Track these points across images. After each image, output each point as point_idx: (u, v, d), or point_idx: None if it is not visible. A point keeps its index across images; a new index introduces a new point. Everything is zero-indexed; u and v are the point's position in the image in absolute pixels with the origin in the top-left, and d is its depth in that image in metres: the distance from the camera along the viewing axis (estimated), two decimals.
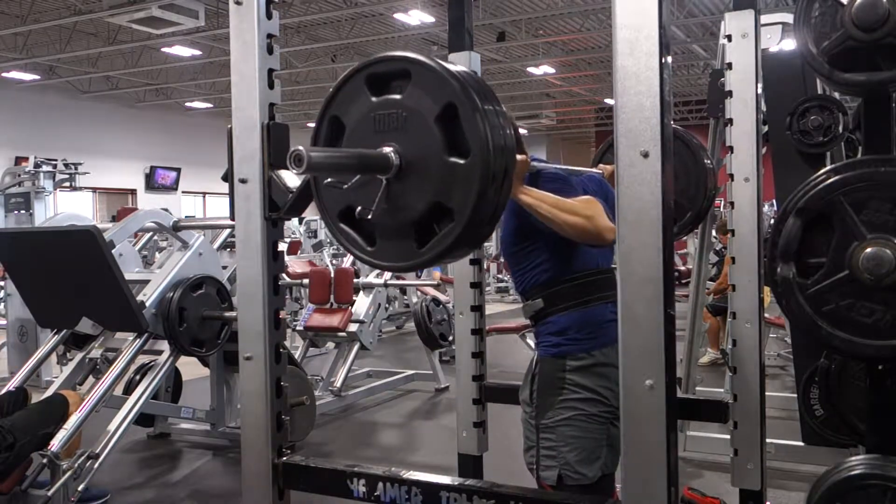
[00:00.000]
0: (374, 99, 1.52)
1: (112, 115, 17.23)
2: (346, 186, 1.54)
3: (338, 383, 5.57)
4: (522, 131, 23.29)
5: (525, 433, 2.17)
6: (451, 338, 6.19)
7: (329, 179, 1.60)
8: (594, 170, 2.41)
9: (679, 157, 2.82)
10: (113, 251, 3.77)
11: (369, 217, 1.50)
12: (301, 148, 1.34)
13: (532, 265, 2.16)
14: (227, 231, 4.62)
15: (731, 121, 2.44)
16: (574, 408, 2.06)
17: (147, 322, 3.85)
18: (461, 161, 1.41)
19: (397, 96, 1.49)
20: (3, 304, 7.46)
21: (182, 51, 13.06)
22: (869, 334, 1.73)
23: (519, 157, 1.99)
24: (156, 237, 7.62)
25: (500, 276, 14.83)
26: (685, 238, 13.12)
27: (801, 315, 1.80)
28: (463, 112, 1.41)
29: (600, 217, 1.96)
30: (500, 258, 14.96)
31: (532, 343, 6.80)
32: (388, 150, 1.47)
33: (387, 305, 6.97)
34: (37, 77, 14.87)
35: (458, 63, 2.69)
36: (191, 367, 5.04)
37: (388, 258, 1.57)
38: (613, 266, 1.95)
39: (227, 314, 4.12)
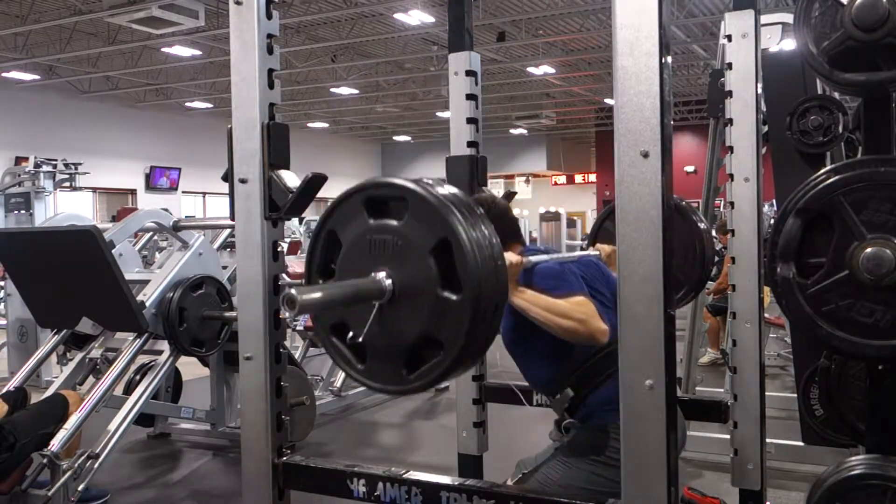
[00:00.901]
0: (371, 221, 1.51)
1: (112, 115, 17.22)
2: None
3: (338, 383, 5.57)
4: (522, 131, 23.32)
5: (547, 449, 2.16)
6: None
7: None
8: (591, 252, 2.39)
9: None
10: (113, 251, 3.77)
11: (360, 340, 1.50)
12: (293, 291, 1.34)
13: (539, 358, 2.15)
14: (227, 231, 4.62)
15: (731, 121, 2.45)
16: (598, 475, 2.03)
17: (147, 322, 3.85)
18: (453, 297, 1.41)
19: (394, 222, 1.48)
20: (3, 304, 7.45)
21: (182, 51, 13.05)
22: (869, 334, 1.73)
23: (514, 258, 1.98)
24: (156, 237, 7.62)
25: None
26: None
27: (801, 315, 1.80)
28: (456, 250, 1.40)
29: (593, 319, 1.95)
30: None
31: None
32: (381, 275, 1.46)
33: None
34: (37, 77, 14.85)
35: (458, 63, 2.72)
36: (191, 367, 5.03)
37: (377, 380, 1.55)
38: None
39: (227, 314, 4.12)
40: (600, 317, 1.97)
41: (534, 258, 2.10)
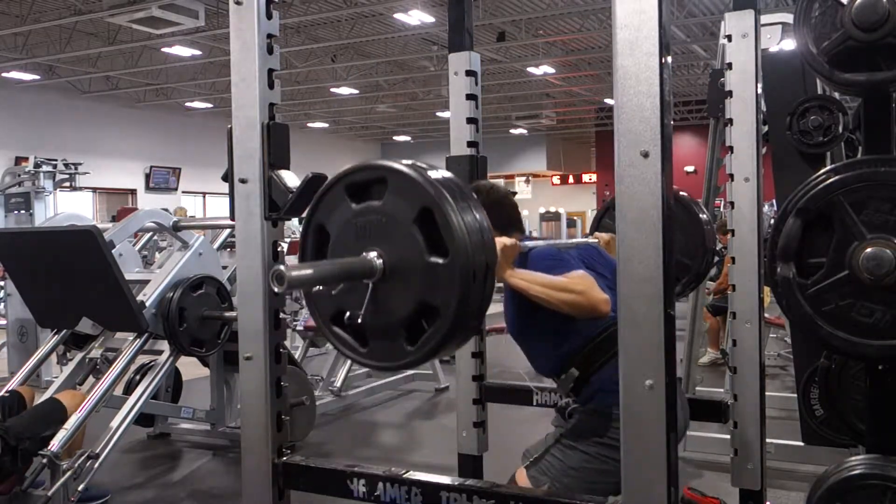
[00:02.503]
0: (354, 206, 1.54)
1: (112, 115, 17.22)
2: (334, 292, 1.57)
3: (338, 383, 5.57)
4: (522, 131, 23.30)
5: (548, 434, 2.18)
6: None
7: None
8: (590, 239, 2.40)
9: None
10: (113, 251, 3.77)
11: (359, 321, 1.52)
12: (282, 267, 1.36)
13: (544, 342, 2.16)
14: (227, 231, 4.62)
15: (731, 121, 2.44)
16: (603, 455, 2.04)
17: (147, 322, 3.85)
18: (441, 260, 1.43)
19: (376, 202, 1.51)
20: (3, 304, 7.45)
21: (182, 51, 13.05)
22: (869, 334, 1.73)
23: (508, 241, 2.01)
24: (156, 237, 7.62)
25: None
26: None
27: (801, 315, 1.80)
28: (438, 215, 1.43)
29: (593, 290, 1.97)
30: None
31: None
32: (371, 255, 1.49)
33: None
34: (37, 77, 14.85)
35: (458, 63, 2.72)
36: (191, 367, 5.03)
37: (382, 358, 1.58)
38: None
39: (227, 314, 4.12)
40: (600, 289, 1.98)
41: (530, 243, 2.12)
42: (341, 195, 1.56)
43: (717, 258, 7.61)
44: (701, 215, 2.89)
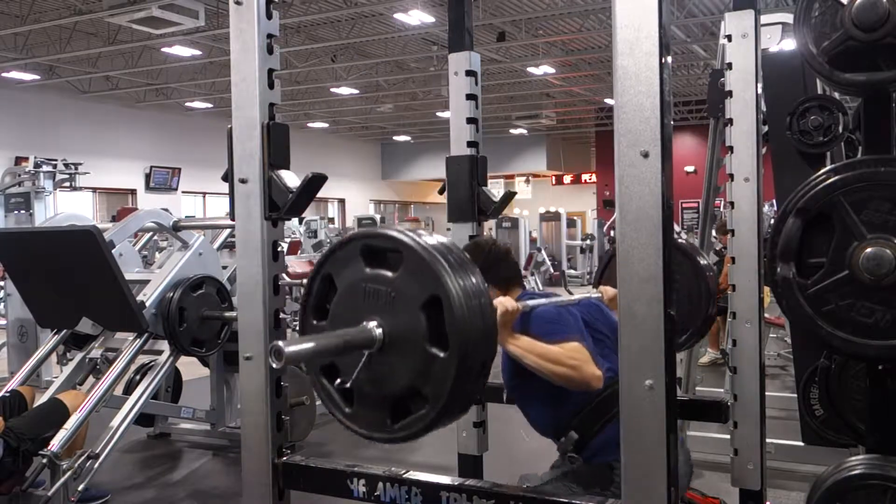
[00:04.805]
0: (367, 270, 1.52)
1: (112, 115, 17.22)
2: None
3: None
4: (522, 131, 23.31)
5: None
6: None
7: None
8: (593, 294, 2.39)
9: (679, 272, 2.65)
10: (113, 251, 3.77)
11: (347, 386, 1.51)
12: (280, 343, 1.34)
13: (540, 402, 2.16)
14: (227, 231, 4.62)
15: (731, 121, 2.44)
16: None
17: (147, 322, 3.85)
18: (440, 353, 1.41)
19: (389, 273, 1.48)
20: (3, 304, 7.45)
21: (182, 51, 13.04)
22: (869, 334, 1.73)
23: (509, 304, 2.00)
24: (156, 237, 7.62)
25: None
26: (685, 238, 13.15)
27: (801, 315, 1.80)
28: (446, 308, 1.40)
29: (586, 365, 1.97)
30: None
31: None
32: (372, 324, 1.47)
33: None
34: (37, 77, 14.85)
35: (458, 63, 2.72)
36: (191, 367, 5.03)
37: (362, 425, 1.56)
38: None
39: (227, 314, 4.12)
40: (595, 362, 1.98)
41: (531, 302, 2.11)
42: (356, 254, 1.54)
43: (716, 258, 7.63)
44: (701, 260, 2.78)
